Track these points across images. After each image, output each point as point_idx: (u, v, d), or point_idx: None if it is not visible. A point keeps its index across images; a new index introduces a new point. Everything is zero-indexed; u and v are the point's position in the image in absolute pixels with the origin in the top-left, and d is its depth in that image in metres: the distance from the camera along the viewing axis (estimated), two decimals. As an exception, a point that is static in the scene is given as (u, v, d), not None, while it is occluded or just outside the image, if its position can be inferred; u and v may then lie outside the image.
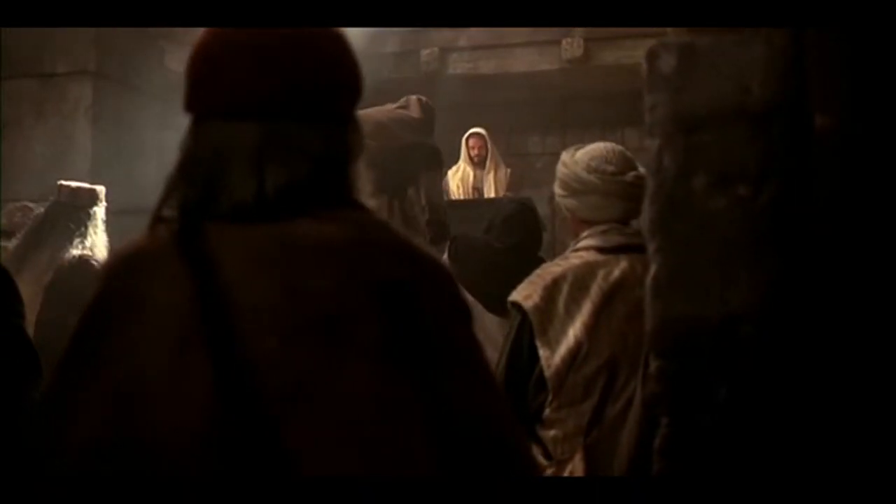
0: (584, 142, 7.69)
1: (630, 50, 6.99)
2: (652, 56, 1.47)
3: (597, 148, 2.23)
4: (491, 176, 6.34)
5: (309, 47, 1.07)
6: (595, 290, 2.08)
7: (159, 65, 5.04)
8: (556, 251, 7.44)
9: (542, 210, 7.12)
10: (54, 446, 0.96)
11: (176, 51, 5.22)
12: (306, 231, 1.00)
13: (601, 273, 2.10)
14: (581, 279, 2.09)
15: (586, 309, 2.06)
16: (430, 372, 0.97)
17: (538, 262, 4.42)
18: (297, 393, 0.92)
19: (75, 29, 4.43)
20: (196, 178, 1.03)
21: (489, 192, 6.25)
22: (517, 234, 4.33)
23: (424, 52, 7.13)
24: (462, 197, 6.28)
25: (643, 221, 1.61)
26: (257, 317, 0.95)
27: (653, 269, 1.46)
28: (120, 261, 1.04)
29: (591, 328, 2.05)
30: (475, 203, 5.94)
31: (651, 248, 1.47)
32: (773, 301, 1.41)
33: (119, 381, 0.95)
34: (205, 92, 1.05)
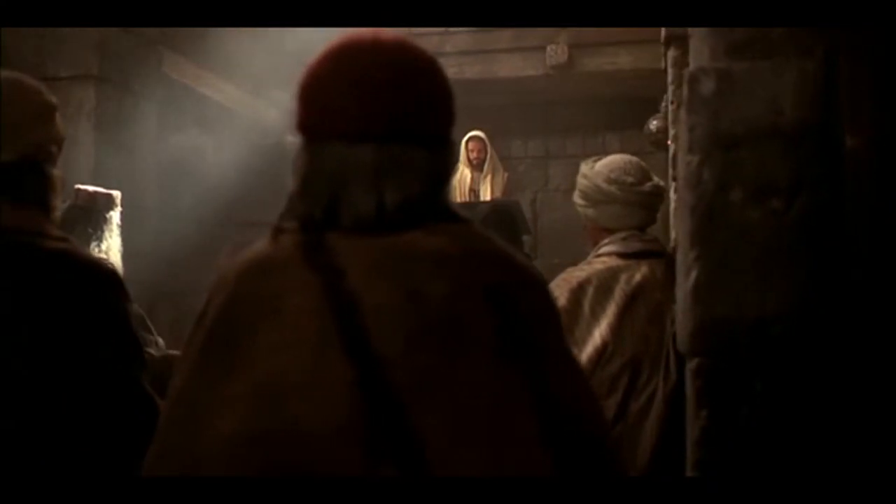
0: (566, 146, 7.84)
1: (613, 57, 7.18)
2: (693, 80, 1.60)
3: (615, 160, 2.37)
4: (488, 179, 6.48)
5: (417, 75, 1.18)
6: (618, 293, 2.22)
7: (157, 70, 5.11)
8: (539, 252, 7.58)
9: (525, 212, 7.22)
10: (198, 440, 1.06)
11: (173, 56, 5.29)
12: (420, 241, 1.11)
13: (623, 277, 2.24)
14: (605, 283, 2.23)
15: (611, 310, 2.20)
16: (533, 368, 1.10)
17: (520, 260, 4.57)
18: (424, 386, 1.04)
19: (78, 34, 4.49)
20: (318, 195, 1.14)
21: (485, 195, 6.40)
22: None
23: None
24: (458, 199, 6.41)
25: (677, 230, 1.75)
26: (383, 318, 1.06)
27: (693, 274, 1.60)
28: (248, 267, 1.15)
29: (616, 329, 2.19)
30: (461, 206, 6.07)
31: (692, 255, 1.60)
32: (804, 304, 1.55)
33: (262, 379, 1.05)
34: (322, 117, 1.16)
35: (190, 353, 1.14)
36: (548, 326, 1.14)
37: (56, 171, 1.54)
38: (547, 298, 1.17)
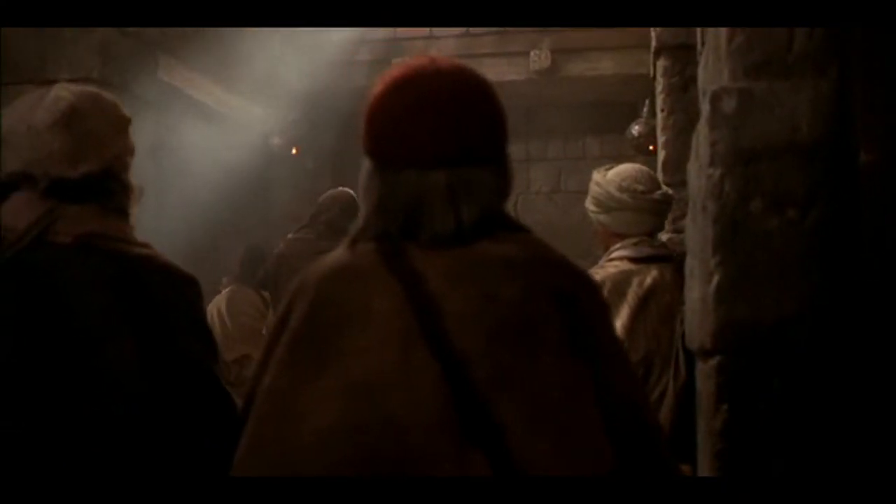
0: (547, 150, 7.96)
1: (595, 62, 7.32)
2: (715, 99, 1.72)
3: (626, 169, 2.49)
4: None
5: (477, 100, 1.28)
6: (631, 296, 2.34)
7: (154, 72, 5.17)
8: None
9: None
10: (293, 433, 1.15)
11: (168, 60, 5.35)
12: (490, 250, 1.22)
13: (636, 280, 2.36)
14: (618, 286, 2.35)
15: (624, 312, 2.32)
16: (593, 362, 1.21)
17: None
18: (501, 381, 1.14)
19: (79, 37, 4.55)
20: (394, 215, 1.24)
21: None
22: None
23: (395, 61, 7.32)
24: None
25: (688, 236, 1.88)
26: (462, 320, 1.17)
27: (715, 279, 1.72)
28: (330, 273, 1.24)
29: (629, 329, 2.31)
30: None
31: (714, 261, 1.72)
32: (818, 307, 1.68)
33: (354, 376, 1.15)
34: (394, 147, 1.25)
35: (276, 353, 1.23)
36: (604, 325, 1.26)
37: (133, 180, 1.64)
38: (602, 299, 1.29)
